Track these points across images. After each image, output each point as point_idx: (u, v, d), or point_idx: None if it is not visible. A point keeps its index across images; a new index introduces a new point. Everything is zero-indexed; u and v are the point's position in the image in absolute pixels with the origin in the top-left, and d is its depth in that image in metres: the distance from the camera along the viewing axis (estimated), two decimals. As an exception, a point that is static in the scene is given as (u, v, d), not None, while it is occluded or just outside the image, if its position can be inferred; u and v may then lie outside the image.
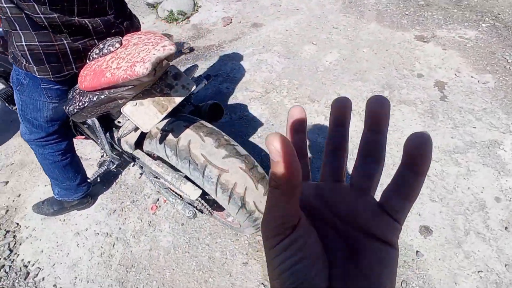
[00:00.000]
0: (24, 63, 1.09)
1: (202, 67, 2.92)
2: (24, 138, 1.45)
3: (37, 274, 1.59)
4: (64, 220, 1.80)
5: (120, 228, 1.75)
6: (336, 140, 0.31)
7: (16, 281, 1.56)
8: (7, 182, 2.03)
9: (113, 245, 1.68)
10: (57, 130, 1.41)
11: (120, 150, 1.44)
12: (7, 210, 1.88)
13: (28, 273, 1.59)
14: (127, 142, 1.33)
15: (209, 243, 1.66)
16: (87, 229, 1.76)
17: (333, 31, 3.16)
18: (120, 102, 0.98)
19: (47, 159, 1.51)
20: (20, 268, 1.61)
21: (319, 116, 2.26)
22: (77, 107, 1.01)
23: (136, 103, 1.00)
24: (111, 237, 1.71)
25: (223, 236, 1.67)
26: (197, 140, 1.17)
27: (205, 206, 1.43)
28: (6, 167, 2.11)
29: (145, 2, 4.16)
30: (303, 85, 2.54)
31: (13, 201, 1.93)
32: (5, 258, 1.65)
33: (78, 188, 1.71)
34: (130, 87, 0.90)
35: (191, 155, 1.15)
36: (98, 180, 1.77)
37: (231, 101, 2.50)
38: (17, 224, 1.81)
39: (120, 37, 1.06)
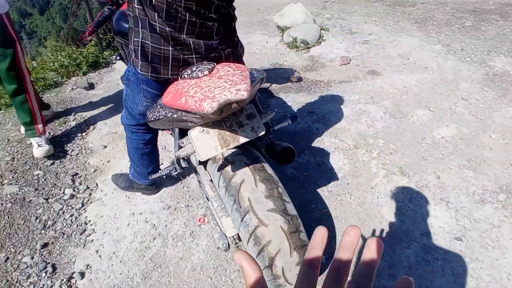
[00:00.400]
0: (133, 57, 1.25)
1: (302, 100, 2.90)
2: (121, 121, 1.66)
3: (89, 234, 1.80)
4: (129, 197, 2.00)
5: (166, 225, 1.84)
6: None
7: (74, 232, 1.80)
8: (105, 146, 2.39)
9: (154, 239, 1.77)
10: (145, 124, 1.57)
11: (186, 160, 1.51)
12: (95, 170, 2.20)
13: (84, 230, 1.82)
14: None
15: (233, 280, 1.58)
16: (141, 213, 1.91)
17: (459, 103, 2.72)
18: (189, 124, 1.01)
19: (132, 144, 1.70)
20: (82, 223, 1.85)
21: (403, 194, 1.94)
22: (154, 117, 1.10)
23: (203, 130, 1.02)
24: (155, 230, 1.82)
25: (249, 280, 1.57)
26: (250, 183, 1.12)
27: (238, 246, 1.37)
28: (110, 134, 2.50)
29: (276, 24, 4.43)
30: (399, 153, 2.24)
31: (103, 164, 2.26)
32: (76, 210, 1.93)
33: (147, 176, 1.88)
34: (198, 116, 0.92)
35: (239, 195, 1.11)
36: (164, 176, 1.90)
37: (316, 143, 2.39)
38: (97, 184, 2.10)
39: (214, 64, 1.10)
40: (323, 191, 2.01)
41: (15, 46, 2.03)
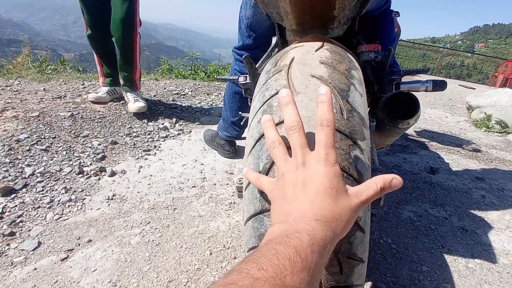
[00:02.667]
0: None
1: (469, 165, 2.00)
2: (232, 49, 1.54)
3: (148, 155, 1.66)
4: (204, 150, 1.80)
5: (215, 184, 1.47)
6: None
7: (139, 148, 1.72)
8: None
9: (192, 187, 1.43)
10: (250, 46, 1.37)
11: None
12: (198, 123, 2.17)
13: (148, 150, 1.71)
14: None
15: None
16: (202, 164, 1.64)
17: None
18: None
19: (231, 75, 1.52)
20: (152, 146, 1.76)
21: None
22: None
23: None
24: (201, 182, 1.48)
25: None
26: (309, 48, 0.65)
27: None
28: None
29: (467, 104, 3.59)
30: None
31: (210, 121, 2.21)
32: (158, 137, 1.88)
33: (230, 127, 1.63)
34: None
35: (282, 57, 0.66)
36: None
37: (471, 209, 1.47)
38: (190, 131, 2.03)
39: None
40: (455, 263, 1.10)
41: None
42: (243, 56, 0.94)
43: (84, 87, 2.64)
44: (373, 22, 1.14)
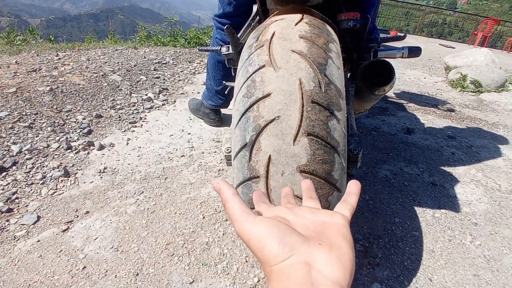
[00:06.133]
0: None
1: (442, 124, 2.12)
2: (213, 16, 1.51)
3: (134, 127, 1.68)
4: (190, 119, 1.82)
5: (203, 153, 1.52)
6: None
7: (125, 120, 1.73)
8: (204, 83, 2.36)
9: (181, 156, 1.48)
10: (231, 14, 1.35)
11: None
12: (182, 93, 2.16)
13: (135, 122, 1.72)
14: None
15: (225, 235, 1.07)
16: (189, 133, 1.67)
17: None
18: None
19: (212, 45, 1.51)
20: (138, 118, 1.77)
21: None
22: None
23: None
24: (189, 151, 1.52)
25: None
26: (290, 21, 0.68)
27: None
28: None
29: (445, 64, 3.68)
30: None
31: (192, 92, 2.20)
32: (143, 109, 1.88)
33: (214, 96, 1.65)
34: None
35: (263, 30, 0.68)
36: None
37: (442, 166, 1.60)
38: (174, 101, 2.03)
39: None
40: (424, 213, 1.23)
41: None
42: (225, 27, 0.95)
43: (59, 59, 2.53)
44: None
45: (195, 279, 0.92)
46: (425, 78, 3.50)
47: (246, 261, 1.01)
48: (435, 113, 2.34)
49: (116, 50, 2.91)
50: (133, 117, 1.76)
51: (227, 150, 0.85)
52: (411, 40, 6.94)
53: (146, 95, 2.03)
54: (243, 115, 0.60)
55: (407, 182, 1.43)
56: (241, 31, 1.05)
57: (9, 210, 1.08)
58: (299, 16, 0.69)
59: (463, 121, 2.24)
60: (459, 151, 1.76)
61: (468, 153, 1.74)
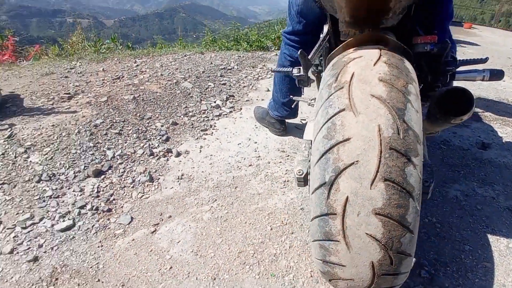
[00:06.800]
0: None
1: None
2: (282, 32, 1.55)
3: (206, 135, 1.81)
4: (256, 128, 1.90)
5: (269, 163, 1.58)
6: None
7: (198, 127, 1.87)
8: (268, 90, 2.43)
9: (249, 166, 1.56)
10: (300, 31, 1.38)
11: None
12: (247, 100, 2.26)
13: (206, 129, 1.86)
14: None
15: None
16: (256, 142, 1.75)
17: None
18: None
19: (280, 60, 1.56)
20: (208, 125, 1.90)
21: None
22: None
23: None
24: (256, 160, 1.60)
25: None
26: (368, 60, 0.69)
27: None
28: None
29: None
30: None
31: (256, 99, 2.28)
32: (213, 116, 2.01)
33: (280, 107, 1.70)
34: None
35: (342, 69, 0.70)
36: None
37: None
38: (241, 108, 2.13)
39: None
40: (497, 242, 1.13)
41: None
42: (299, 52, 0.98)
43: (137, 65, 2.82)
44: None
45: (267, 291, 0.99)
46: (504, 81, 3.10)
47: (311, 276, 1.05)
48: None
49: (185, 56, 3.13)
50: (204, 125, 1.90)
51: (299, 172, 0.89)
52: (487, 34, 6.13)
53: (215, 102, 2.16)
54: (323, 155, 0.64)
55: (480, 206, 1.32)
56: (312, 52, 1.07)
57: (109, 210, 1.28)
58: (377, 53, 0.70)
59: None
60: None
61: None
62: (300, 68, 1.12)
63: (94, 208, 1.27)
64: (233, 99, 2.25)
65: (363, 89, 0.63)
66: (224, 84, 2.46)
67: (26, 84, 2.29)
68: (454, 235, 1.18)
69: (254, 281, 1.03)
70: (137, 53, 3.36)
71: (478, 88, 2.81)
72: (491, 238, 1.17)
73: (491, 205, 1.34)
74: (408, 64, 0.72)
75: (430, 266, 1.05)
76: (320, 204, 0.64)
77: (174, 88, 2.27)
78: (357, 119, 0.60)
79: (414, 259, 1.06)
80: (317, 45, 1.06)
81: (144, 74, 2.56)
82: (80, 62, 2.98)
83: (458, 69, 1.03)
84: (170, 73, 2.59)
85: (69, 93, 2.17)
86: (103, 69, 2.71)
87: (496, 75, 1.00)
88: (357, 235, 0.58)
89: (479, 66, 1.07)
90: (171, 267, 1.06)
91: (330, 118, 0.64)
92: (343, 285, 0.64)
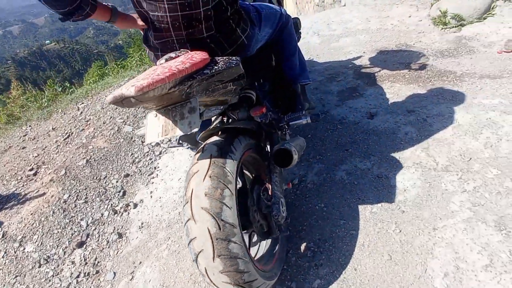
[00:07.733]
0: None
1: (407, 93, 2.32)
2: None
3: (153, 177, 2.24)
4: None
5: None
6: None
7: (146, 173, 2.29)
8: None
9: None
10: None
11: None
12: (180, 127, 2.64)
13: (152, 173, 2.28)
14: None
15: None
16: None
17: None
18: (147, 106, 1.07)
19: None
20: (153, 167, 2.32)
21: (484, 257, 1.33)
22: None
23: (156, 115, 1.07)
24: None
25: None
26: (201, 175, 1.11)
27: None
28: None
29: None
30: None
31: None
32: (155, 155, 2.41)
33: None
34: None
35: (188, 184, 1.13)
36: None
37: (393, 151, 1.92)
38: (176, 139, 2.53)
39: (184, 51, 1.09)
40: (364, 210, 1.65)
41: None
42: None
43: (81, 113, 3.11)
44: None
45: (210, 297, 1.53)
46: (409, 16, 3.43)
47: None
48: (404, 77, 2.51)
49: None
50: (150, 168, 2.32)
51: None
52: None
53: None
54: (188, 242, 1.09)
55: (357, 181, 1.81)
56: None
57: (97, 272, 1.77)
58: (207, 165, 1.11)
59: (430, 81, 2.39)
60: (413, 128, 2.03)
61: (421, 128, 2.01)
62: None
63: (86, 274, 1.76)
64: (169, 130, 2.62)
65: (196, 204, 1.07)
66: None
67: (-7, 175, 2.63)
68: (334, 213, 1.69)
69: (205, 290, 1.56)
70: (77, 96, 3.58)
71: (382, 38, 3.17)
72: (360, 208, 1.67)
73: (366, 177, 1.82)
74: (228, 167, 1.14)
75: (314, 246, 1.58)
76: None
77: (118, 137, 2.63)
78: (196, 225, 1.05)
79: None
80: None
81: (90, 126, 2.87)
82: (29, 125, 3.25)
83: (291, 119, 1.46)
84: (110, 117, 2.90)
85: (32, 168, 2.54)
86: (52, 128, 3.01)
87: (315, 117, 1.44)
88: None
89: (303, 115, 1.47)
90: (148, 301, 1.58)
91: (185, 223, 1.09)
92: None
